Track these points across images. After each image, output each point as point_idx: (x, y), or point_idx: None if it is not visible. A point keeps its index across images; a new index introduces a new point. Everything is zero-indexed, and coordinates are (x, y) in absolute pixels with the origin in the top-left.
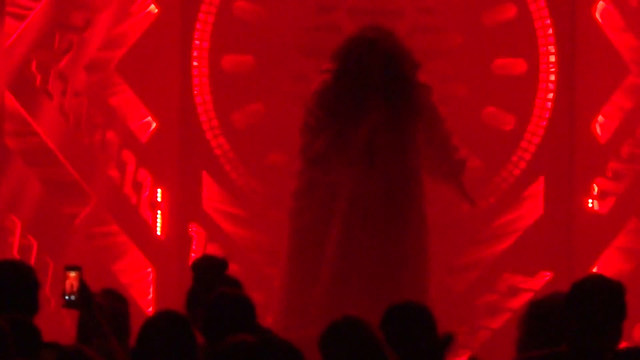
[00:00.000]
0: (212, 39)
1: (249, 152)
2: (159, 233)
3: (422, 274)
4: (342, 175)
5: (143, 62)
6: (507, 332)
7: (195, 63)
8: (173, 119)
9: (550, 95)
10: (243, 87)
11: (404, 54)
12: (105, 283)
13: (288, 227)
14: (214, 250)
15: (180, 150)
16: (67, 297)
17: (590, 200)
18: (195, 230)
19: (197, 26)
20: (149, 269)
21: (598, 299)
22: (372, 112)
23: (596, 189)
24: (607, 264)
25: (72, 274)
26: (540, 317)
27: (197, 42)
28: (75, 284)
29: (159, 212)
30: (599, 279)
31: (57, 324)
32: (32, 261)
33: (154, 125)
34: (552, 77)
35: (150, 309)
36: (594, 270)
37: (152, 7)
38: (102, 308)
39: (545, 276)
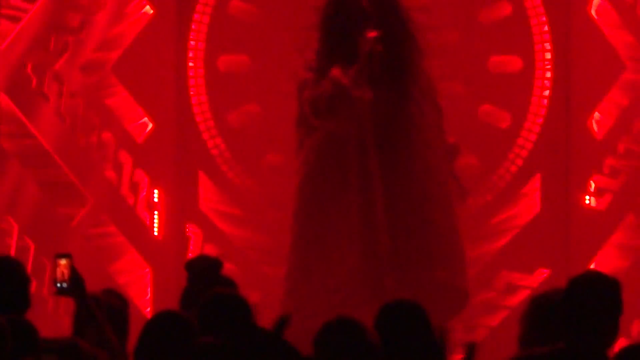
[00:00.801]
0: (207, 39)
1: (246, 152)
2: (156, 233)
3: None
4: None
5: (139, 63)
6: (505, 329)
7: (191, 64)
8: (169, 120)
9: (546, 93)
10: (239, 87)
11: None
12: (103, 284)
13: (294, 204)
14: (211, 250)
15: (177, 151)
16: (58, 285)
17: (587, 197)
18: (192, 230)
19: (193, 27)
20: (147, 270)
21: (595, 296)
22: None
23: (593, 185)
24: (605, 261)
25: (63, 262)
26: (542, 313)
27: (192, 42)
28: (66, 272)
29: (155, 212)
30: (595, 275)
31: (55, 324)
32: (30, 262)
33: (150, 126)
34: (548, 74)
35: (148, 310)
36: (592, 266)
37: (147, 8)
38: (97, 299)
39: (543, 273)
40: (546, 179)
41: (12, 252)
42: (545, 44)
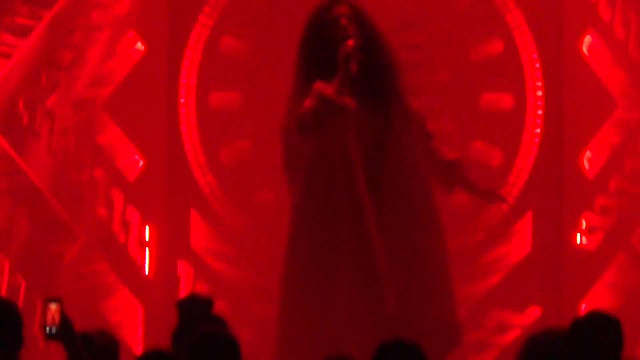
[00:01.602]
0: (199, 76)
1: (237, 190)
2: (147, 271)
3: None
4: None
5: (130, 100)
6: None
7: (182, 100)
8: (161, 157)
9: (538, 130)
10: (230, 124)
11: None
12: (94, 322)
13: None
14: (202, 288)
15: (168, 188)
16: (48, 330)
17: (578, 235)
18: (183, 268)
19: (184, 63)
20: (138, 307)
21: (598, 336)
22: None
23: (584, 224)
24: (596, 300)
25: (53, 306)
26: (539, 352)
27: (183, 79)
28: (57, 316)
29: (147, 250)
30: (598, 315)
31: None
32: (21, 300)
33: (141, 163)
34: (540, 112)
35: (140, 348)
36: (583, 306)
37: (139, 45)
38: (89, 338)
39: (535, 312)
40: (538, 217)
41: (3, 290)
42: (536, 82)
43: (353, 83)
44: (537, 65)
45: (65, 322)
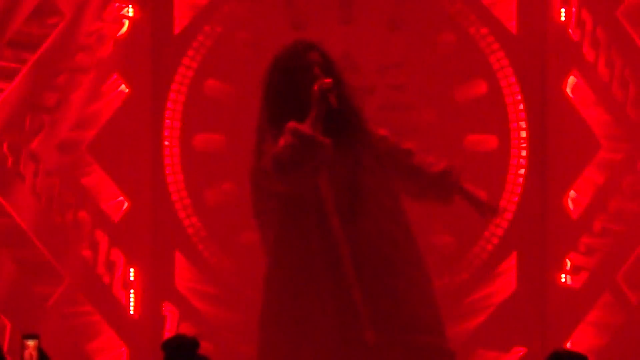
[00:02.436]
0: (183, 118)
1: (222, 231)
2: (132, 312)
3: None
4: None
5: (114, 142)
6: None
7: (166, 142)
8: (145, 199)
9: (522, 171)
10: (215, 166)
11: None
12: None
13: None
14: (187, 329)
15: (153, 230)
16: None
17: (563, 275)
18: (168, 309)
19: (168, 105)
20: (123, 349)
21: None
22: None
23: (569, 263)
24: (581, 339)
25: (31, 343)
26: None
27: (168, 121)
28: (34, 353)
29: (132, 291)
30: (564, 354)
31: None
32: (6, 341)
33: (126, 205)
34: (524, 153)
35: None
36: (568, 345)
37: (123, 87)
38: None
39: (520, 351)
40: (522, 257)
41: None
42: (520, 123)
43: (327, 121)
44: (521, 106)
45: (42, 359)
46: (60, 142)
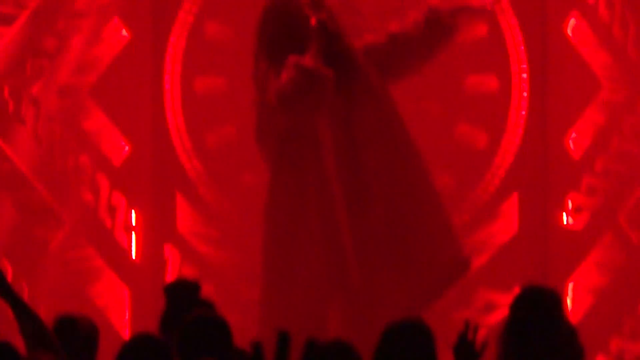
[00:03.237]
0: (183, 61)
1: (223, 174)
2: (134, 256)
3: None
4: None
5: (115, 87)
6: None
7: (167, 86)
8: (146, 142)
9: (523, 112)
10: (215, 109)
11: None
12: (81, 306)
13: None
14: (189, 271)
15: (154, 173)
16: None
17: (564, 216)
18: (170, 252)
19: (169, 49)
20: (125, 292)
21: (534, 313)
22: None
23: (570, 204)
24: (583, 279)
25: None
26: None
27: (168, 65)
28: None
29: (133, 235)
30: (535, 291)
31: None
32: None
33: (127, 148)
34: (525, 94)
35: (127, 332)
36: (570, 285)
37: (124, 32)
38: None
39: None
40: (523, 199)
41: None
42: (521, 64)
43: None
44: (522, 47)
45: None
46: (60, 87)
